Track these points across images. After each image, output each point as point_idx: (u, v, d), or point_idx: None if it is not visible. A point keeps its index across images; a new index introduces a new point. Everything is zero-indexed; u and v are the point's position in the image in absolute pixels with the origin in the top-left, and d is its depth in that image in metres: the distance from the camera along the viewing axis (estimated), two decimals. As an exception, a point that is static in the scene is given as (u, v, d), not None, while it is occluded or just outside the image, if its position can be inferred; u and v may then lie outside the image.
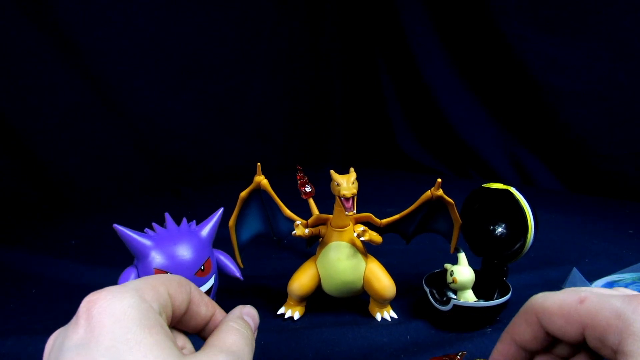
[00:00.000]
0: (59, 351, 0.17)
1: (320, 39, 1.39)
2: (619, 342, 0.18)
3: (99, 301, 0.17)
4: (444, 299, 0.39)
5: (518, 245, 0.41)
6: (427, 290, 0.40)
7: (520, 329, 0.23)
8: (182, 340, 0.22)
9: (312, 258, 0.42)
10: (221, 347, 0.20)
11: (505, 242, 0.42)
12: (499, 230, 0.43)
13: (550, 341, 0.22)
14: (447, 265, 0.42)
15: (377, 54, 1.34)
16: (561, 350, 0.22)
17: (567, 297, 0.21)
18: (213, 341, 0.21)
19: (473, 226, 0.44)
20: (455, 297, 0.40)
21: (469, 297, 0.40)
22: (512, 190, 0.41)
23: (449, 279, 0.40)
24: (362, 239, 0.38)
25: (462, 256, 0.41)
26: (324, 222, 0.41)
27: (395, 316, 0.41)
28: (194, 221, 0.41)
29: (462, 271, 0.40)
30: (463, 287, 0.40)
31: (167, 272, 0.36)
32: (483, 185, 0.44)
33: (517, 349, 0.23)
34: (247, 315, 0.24)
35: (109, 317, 0.17)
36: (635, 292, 0.19)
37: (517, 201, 0.40)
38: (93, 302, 0.18)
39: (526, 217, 0.40)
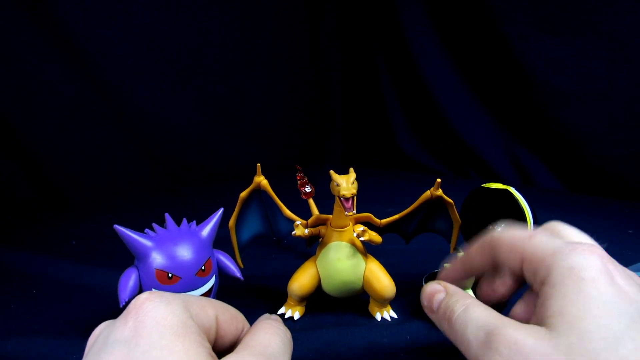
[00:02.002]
0: (104, 343, 0.17)
1: (320, 39, 1.39)
2: (546, 274, 0.20)
3: (147, 302, 0.18)
4: None
5: None
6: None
7: (472, 252, 0.26)
8: None
9: (312, 258, 0.42)
10: (255, 349, 0.19)
11: None
12: (499, 230, 0.43)
13: (492, 271, 0.25)
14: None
15: (377, 54, 1.34)
16: (502, 281, 0.25)
17: (521, 232, 0.23)
18: (247, 340, 0.20)
19: (472, 226, 0.44)
20: None
21: None
22: (512, 190, 0.42)
23: None
24: (361, 239, 0.38)
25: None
26: (323, 222, 0.41)
27: (395, 316, 0.41)
28: (194, 221, 0.41)
29: None
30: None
31: (168, 273, 0.36)
32: (482, 185, 0.44)
33: (466, 269, 0.27)
34: (275, 319, 0.23)
35: (151, 320, 0.17)
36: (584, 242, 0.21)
37: (516, 201, 0.41)
38: (142, 301, 0.18)
39: (525, 217, 0.40)
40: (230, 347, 0.21)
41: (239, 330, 0.22)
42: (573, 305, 0.18)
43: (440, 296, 0.25)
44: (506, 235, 0.24)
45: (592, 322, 0.18)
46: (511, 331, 0.19)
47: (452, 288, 0.25)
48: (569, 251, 0.20)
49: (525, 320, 0.22)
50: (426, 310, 0.26)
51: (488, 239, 0.25)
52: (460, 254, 0.42)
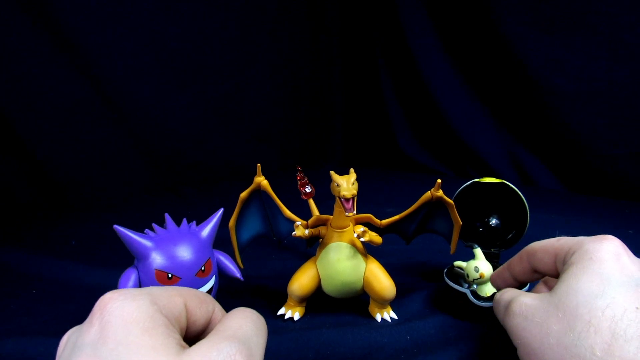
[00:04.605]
0: (72, 348, 0.18)
1: (320, 39, 1.39)
2: (571, 257, 0.25)
3: (111, 302, 0.18)
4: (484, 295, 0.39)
5: (512, 234, 0.44)
6: (467, 291, 0.40)
7: (514, 262, 0.32)
8: None
9: (312, 259, 0.42)
10: (225, 333, 0.20)
11: (501, 232, 0.44)
12: (494, 222, 0.45)
13: (533, 276, 0.31)
14: (460, 263, 0.42)
15: (377, 54, 1.34)
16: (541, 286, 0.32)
17: (550, 239, 0.29)
18: (218, 327, 0.20)
19: (467, 221, 0.45)
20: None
21: (488, 290, 0.41)
22: (508, 183, 0.43)
23: (474, 275, 0.40)
24: (362, 239, 0.38)
25: (478, 251, 0.42)
26: (324, 223, 0.41)
27: (395, 317, 0.41)
28: (194, 222, 0.41)
29: (485, 266, 0.40)
30: (487, 281, 0.41)
31: (167, 273, 0.36)
32: (475, 180, 0.45)
33: (509, 276, 0.33)
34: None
35: (117, 318, 0.17)
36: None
37: (515, 192, 0.42)
38: (106, 302, 0.18)
39: (525, 207, 0.42)
40: (203, 330, 0.22)
41: (210, 312, 0.22)
42: (575, 276, 0.23)
43: (497, 296, 0.32)
44: (539, 243, 0.29)
45: (583, 286, 0.22)
46: (522, 297, 0.26)
47: (504, 289, 0.32)
48: (589, 240, 0.25)
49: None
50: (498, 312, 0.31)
51: (524, 250, 0.31)
52: (477, 249, 0.42)
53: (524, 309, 0.25)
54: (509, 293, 0.29)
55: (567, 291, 0.23)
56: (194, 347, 0.18)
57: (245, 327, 0.20)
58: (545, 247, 0.28)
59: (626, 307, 0.20)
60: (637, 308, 0.20)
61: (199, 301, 0.22)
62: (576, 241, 0.26)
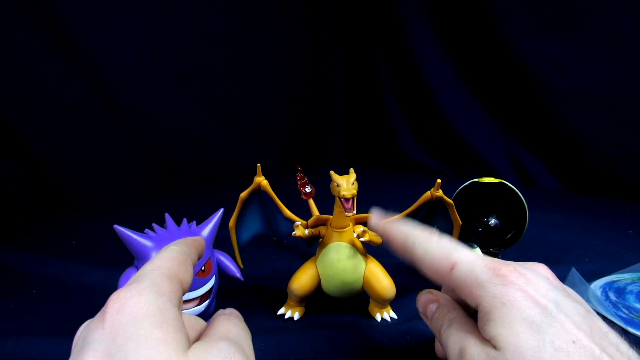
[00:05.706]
0: (83, 344, 0.18)
1: (320, 39, 1.39)
2: (477, 302, 0.24)
3: (119, 300, 0.19)
4: None
5: (511, 233, 0.43)
6: None
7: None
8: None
9: (312, 258, 0.42)
10: (219, 335, 0.21)
11: (500, 232, 0.44)
12: (493, 221, 0.45)
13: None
14: None
15: (377, 54, 1.34)
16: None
17: (440, 261, 0.26)
18: (209, 332, 0.22)
19: (466, 220, 0.45)
20: None
21: None
22: (507, 183, 0.43)
23: None
24: (362, 239, 0.38)
25: (478, 251, 0.42)
26: (323, 223, 0.41)
27: (395, 316, 0.41)
28: (194, 222, 0.41)
29: None
30: None
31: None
32: (475, 180, 0.45)
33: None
34: (229, 313, 0.26)
35: (126, 315, 0.18)
36: (500, 263, 0.24)
37: (514, 192, 0.42)
38: (114, 300, 0.19)
39: (524, 206, 0.41)
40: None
41: (191, 267, 0.24)
42: (504, 328, 0.22)
43: (433, 307, 0.29)
44: (428, 265, 0.27)
45: (520, 339, 0.21)
46: (475, 351, 0.23)
47: (443, 299, 0.29)
48: (490, 281, 0.23)
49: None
50: (421, 315, 0.31)
51: (413, 254, 0.28)
52: (476, 249, 0.42)
53: None
54: (455, 327, 0.26)
55: (512, 351, 0.22)
56: (194, 346, 0.19)
57: (233, 330, 0.22)
58: (440, 275, 0.26)
59: (567, 349, 0.21)
60: (574, 342, 0.21)
61: (186, 270, 0.23)
62: (474, 282, 0.24)
